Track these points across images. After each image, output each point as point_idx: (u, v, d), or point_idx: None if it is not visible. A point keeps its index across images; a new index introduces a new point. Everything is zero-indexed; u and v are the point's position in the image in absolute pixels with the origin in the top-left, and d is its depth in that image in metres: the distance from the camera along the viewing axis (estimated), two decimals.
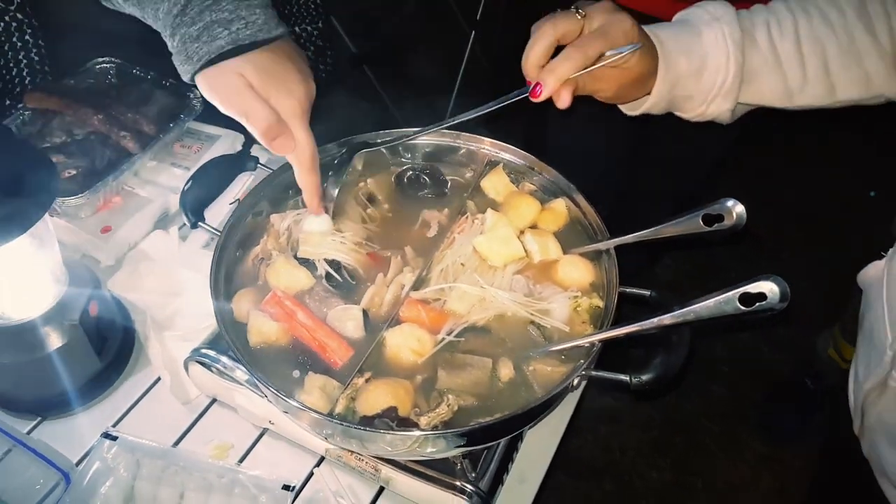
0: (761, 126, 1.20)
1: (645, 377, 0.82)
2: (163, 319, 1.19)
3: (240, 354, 0.84)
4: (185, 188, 0.99)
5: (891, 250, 0.93)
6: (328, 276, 0.94)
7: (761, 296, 0.72)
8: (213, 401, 1.12)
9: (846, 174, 3.03)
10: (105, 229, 1.28)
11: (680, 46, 0.87)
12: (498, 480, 0.98)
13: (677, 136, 1.38)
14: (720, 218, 0.84)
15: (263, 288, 0.96)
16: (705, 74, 0.88)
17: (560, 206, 1.06)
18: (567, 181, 1.05)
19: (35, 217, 0.90)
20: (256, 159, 1.10)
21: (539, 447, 1.10)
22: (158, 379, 1.15)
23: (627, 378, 0.82)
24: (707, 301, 0.76)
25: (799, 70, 0.88)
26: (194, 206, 0.99)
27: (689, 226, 0.86)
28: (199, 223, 0.98)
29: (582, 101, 0.88)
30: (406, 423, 0.80)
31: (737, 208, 0.82)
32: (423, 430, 0.80)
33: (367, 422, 0.80)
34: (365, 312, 0.92)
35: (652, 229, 0.89)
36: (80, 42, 1.45)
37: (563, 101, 0.83)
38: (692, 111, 0.93)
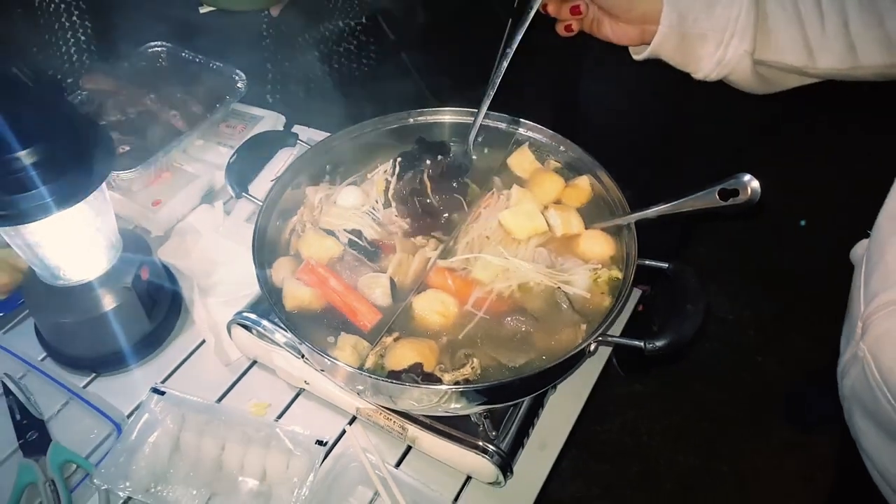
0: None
1: (659, 343, 0.86)
2: (207, 286, 1.26)
3: (280, 316, 0.91)
4: (231, 161, 1.06)
5: (873, 228, 0.93)
6: (351, 242, 1.00)
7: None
8: (253, 363, 1.20)
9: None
10: (155, 202, 1.36)
11: None
12: (518, 443, 1.03)
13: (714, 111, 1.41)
14: (735, 193, 0.87)
15: (298, 257, 1.03)
16: (717, 7, 0.87)
17: (584, 182, 1.10)
18: (592, 158, 1.09)
19: (94, 185, 0.98)
20: (296, 136, 1.17)
21: (560, 416, 1.15)
22: (203, 341, 1.23)
23: (642, 343, 0.87)
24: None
25: (818, 22, 0.86)
26: (239, 178, 1.06)
27: (706, 200, 0.89)
28: (244, 194, 1.05)
29: (617, 80, 0.91)
30: (430, 379, 0.86)
31: (752, 183, 0.85)
32: (446, 385, 0.86)
33: (395, 375, 0.86)
34: (392, 281, 0.98)
35: (670, 204, 0.93)
36: (131, 26, 1.53)
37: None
38: (709, 58, 0.90)
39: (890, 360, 0.81)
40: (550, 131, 1.13)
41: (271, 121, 1.52)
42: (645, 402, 2.56)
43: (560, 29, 0.99)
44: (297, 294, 0.96)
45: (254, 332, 1.09)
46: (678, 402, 2.53)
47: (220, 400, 1.16)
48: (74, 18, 1.52)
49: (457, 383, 0.86)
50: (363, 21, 1.87)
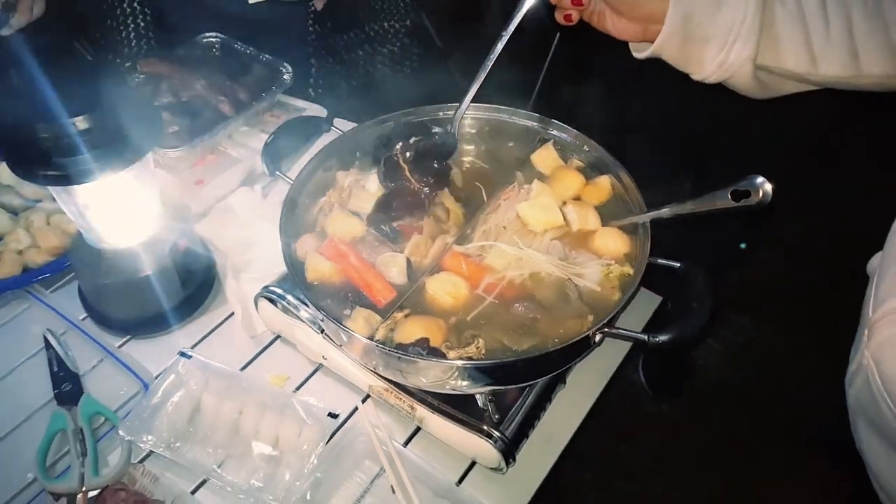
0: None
1: (662, 337, 0.88)
2: (240, 263, 1.32)
3: (300, 285, 0.96)
4: (268, 140, 1.12)
5: (886, 238, 0.92)
6: (375, 223, 1.05)
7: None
8: (277, 337, 1.25)
9: None
10: (198, 182, 1.44)
11: None
12: (523, 433, 1.05)
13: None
14: (747, 194, 0.88)
15: (322, 234, 1.08)
16: (723, 10, 0.85)
17: (604, 182, 1.12)
18: (613, 159, 1.11)
19: (138, 156, 1.05)
20: (331, 122, 1.22)
21: (569, 411, 1.17)
22: (232, 313, 1.28)
23: (645, 337, 0.88)
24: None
25: (823, 28, 0.85)
26: (274, 158, 1.12)
27: (719, 201, 0.90)
28: (277, 172, 1.11)
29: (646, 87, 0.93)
30: (436, 354, 0.90)
31: (765, 186, 0.86)
32: (450, 360, 0.89)
33: (402, 348, 0.90)
34: (409, 261, 1.02)
35: (684, 204, 0.95)
36: (188, 15, 1.62)
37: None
38: (710, 61, 0.89)
39: (892, 367, 0.80)
40: (575, 131, 1.16)
41: (313, 112, 1.59)
42: (673, 423, 2.52)
43: (559, 17, 0.98)
44: (319, 267, 1.01)
45: (279, 306, 1.14)
46: (708, 427, 2.46)
47: (243, 369, 1.21)
48: (136, 4, 1.61)
49: (460, 359, 0.90)
50: (407, 24, 1.92)
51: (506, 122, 1.22)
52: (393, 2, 1.87)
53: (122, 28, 1.59)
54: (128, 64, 1.50)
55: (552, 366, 0.97)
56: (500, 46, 1.04)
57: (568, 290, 0.99)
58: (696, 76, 0.95)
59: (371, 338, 0.92)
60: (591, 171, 1.16)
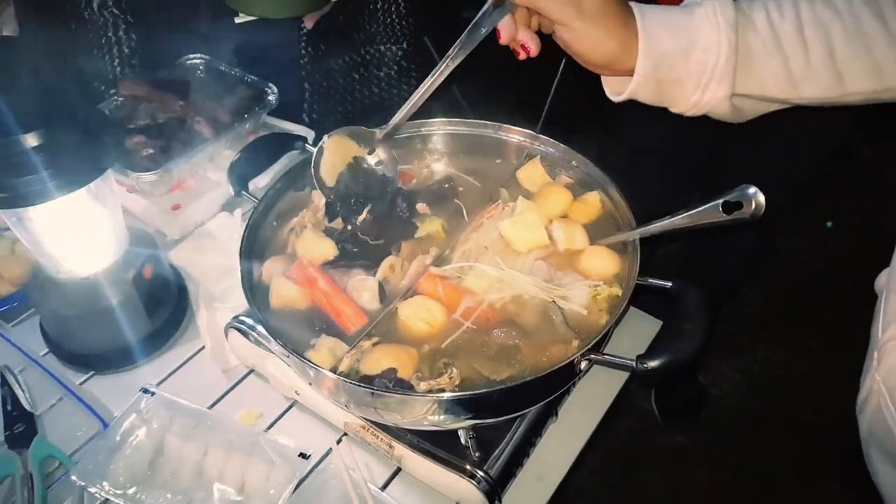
0: None
1: (652, 363, 0.79)
2: (216, 292, 1.25)
3: (257, 310, 0.88)
4: (234, 159, 1.06)
5: (893, 256, 0.87)
6: (342, 244, 0.98)
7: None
8: (250, 372, 1.17)
9: None
10: (175, 206, 1.37)
11: (666, 22, 0.82)
12: (509, 472, 0.96)
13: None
14: (739, 205, 0.80)
15: (292, 257, 1.00)
16: (694, 54, 0.82)
17: (594, 198, 1.04)
18: (602, 173, 1.03)
19: (96, 174, 0.99)
20: (305, 139, 1.15)
21: (562, 448, 1.07)
22: (203, 347, 1.21)
23: (633, 362, 0.79)
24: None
25: (802, 55, 0.81)
26: (240, 177, 1.05)
27: (709, 215, 0.82)
28: (243, 192, 1.04)
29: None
30: (403, 386, 0.81)
31: (758, 197, 0.78)
32: (417, 392, 0.80)
33: (366, 380, 0.81)
34: (382, 286, 0.94)
35: (672, 220, 0.86)
36: (173, 38, 1.57)
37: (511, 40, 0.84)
38: (685, 101, 0.86)
39: None
40: (563, 146, 1.09)
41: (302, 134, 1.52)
42: (688, 454, 2.41)
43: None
44: (284, 292, 0.94)
45: (250, 337, 1.06)
46: (724, 458, 2.37)
47: (212, 406, 1.13)
48: (121, 33, 1.57)
49: (430, 392, 0.81)
50: (405, 47, 1.85)
51: (491, 137, 1.14)
52: (390, 24, 1.81)
53: (105, 54, 1.54)
54: (111, 91, 1.45)
55: (536, 396, 0.88)
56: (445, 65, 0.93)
57: (552, 313, 0.90)
58: (672, 110, 0.89)
59: (334, 370, 0.83)
60: (579, 187, 1.08)
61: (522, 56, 0.89)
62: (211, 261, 1.30)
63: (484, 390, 0.81)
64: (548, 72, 1.01)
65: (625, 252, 0.97)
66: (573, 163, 1.08)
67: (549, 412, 1.02)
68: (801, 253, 2.84)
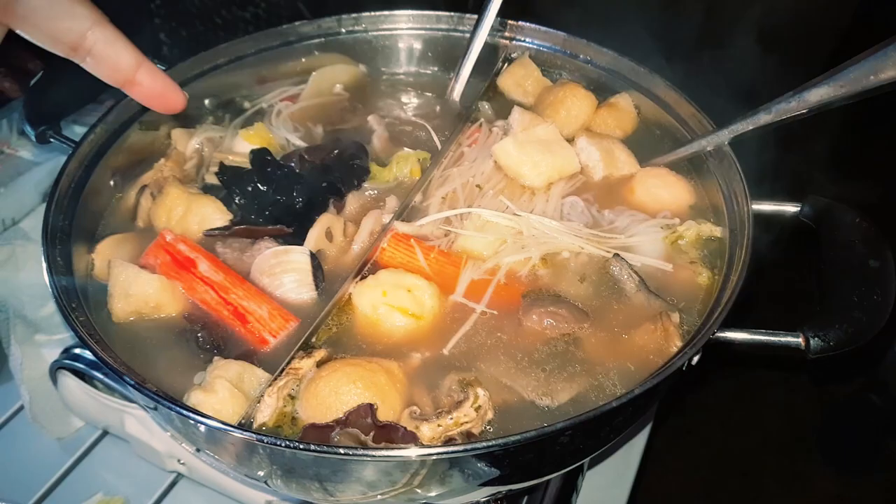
0: None
1: (828, 336, 0.44)
2: (37, 319, 0.82)
3: (88, 333, 0.45)
4: (34, 82, 0.63)
5: None
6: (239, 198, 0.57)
7: None
8: (104, 435, 0.74)
9: None
10: None
11: None
12: None
13: None
14: None
15: (147, 233, 0.58)
16: None
17: (625, 102, 0.69)
18: (636, 65, 0.68)
19: None
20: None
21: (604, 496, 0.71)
22: (22, 406, 0.76)
23: (800, 339, 0.44)
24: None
25: None
26: (47, 111, 0.62)
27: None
28: (51, 134, 0.61)
29: None
30: (390, 434, 0.41)
31: None
32: (422, 446, 0.41)
33: (317, 434, 0.41)
34: (315, 258, 0.53)
35: (808, 92, 0.52)
36: None
37: None
38: None
39: None
40: (563, 34, 0.73)
41: None
42: (656, 457, 2.13)
43: None
44: (137, 292, 0.54)
45: (95, 382, 0.65)
46: (699, 455, 2.12)
47: (44, 497, 0.70)
48: None
49: (448, 441, 0.41)
50: None
51: (449, 37, 0.76)
52: None
53: None
54: None
55: (621, 426, 0.50)
56: None
57: (617, 275, 0.53)
58: None
59: (244, 425, 0.42)
60: (597, 92, 0.71)
61: None
62: (29, 275, 0.88)
63: (551, 426, 0.41)
64: None
65: (697, 172, 0.62)
66: (581, 56, 0.72)
67: (578, 473, 0.65)
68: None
